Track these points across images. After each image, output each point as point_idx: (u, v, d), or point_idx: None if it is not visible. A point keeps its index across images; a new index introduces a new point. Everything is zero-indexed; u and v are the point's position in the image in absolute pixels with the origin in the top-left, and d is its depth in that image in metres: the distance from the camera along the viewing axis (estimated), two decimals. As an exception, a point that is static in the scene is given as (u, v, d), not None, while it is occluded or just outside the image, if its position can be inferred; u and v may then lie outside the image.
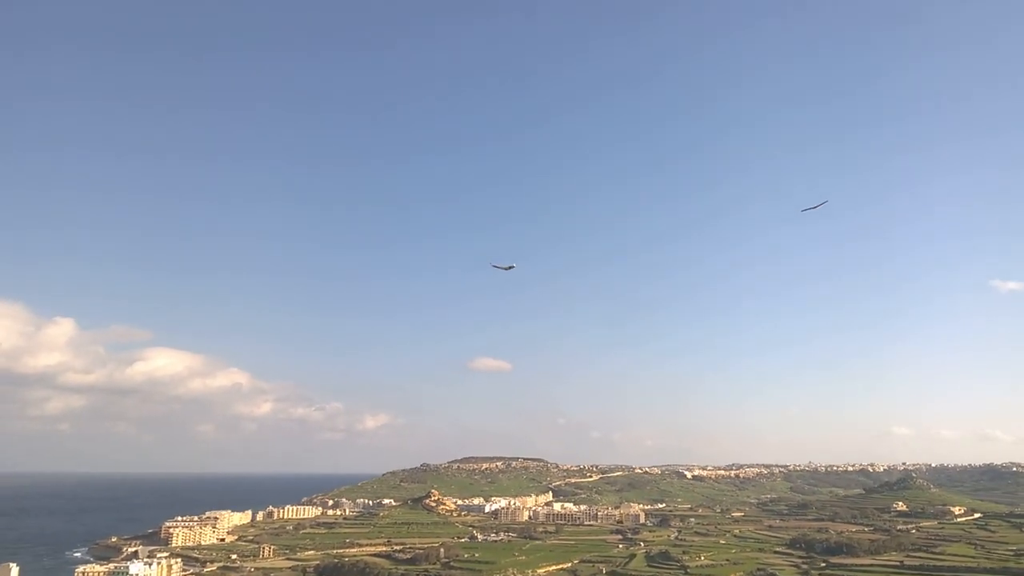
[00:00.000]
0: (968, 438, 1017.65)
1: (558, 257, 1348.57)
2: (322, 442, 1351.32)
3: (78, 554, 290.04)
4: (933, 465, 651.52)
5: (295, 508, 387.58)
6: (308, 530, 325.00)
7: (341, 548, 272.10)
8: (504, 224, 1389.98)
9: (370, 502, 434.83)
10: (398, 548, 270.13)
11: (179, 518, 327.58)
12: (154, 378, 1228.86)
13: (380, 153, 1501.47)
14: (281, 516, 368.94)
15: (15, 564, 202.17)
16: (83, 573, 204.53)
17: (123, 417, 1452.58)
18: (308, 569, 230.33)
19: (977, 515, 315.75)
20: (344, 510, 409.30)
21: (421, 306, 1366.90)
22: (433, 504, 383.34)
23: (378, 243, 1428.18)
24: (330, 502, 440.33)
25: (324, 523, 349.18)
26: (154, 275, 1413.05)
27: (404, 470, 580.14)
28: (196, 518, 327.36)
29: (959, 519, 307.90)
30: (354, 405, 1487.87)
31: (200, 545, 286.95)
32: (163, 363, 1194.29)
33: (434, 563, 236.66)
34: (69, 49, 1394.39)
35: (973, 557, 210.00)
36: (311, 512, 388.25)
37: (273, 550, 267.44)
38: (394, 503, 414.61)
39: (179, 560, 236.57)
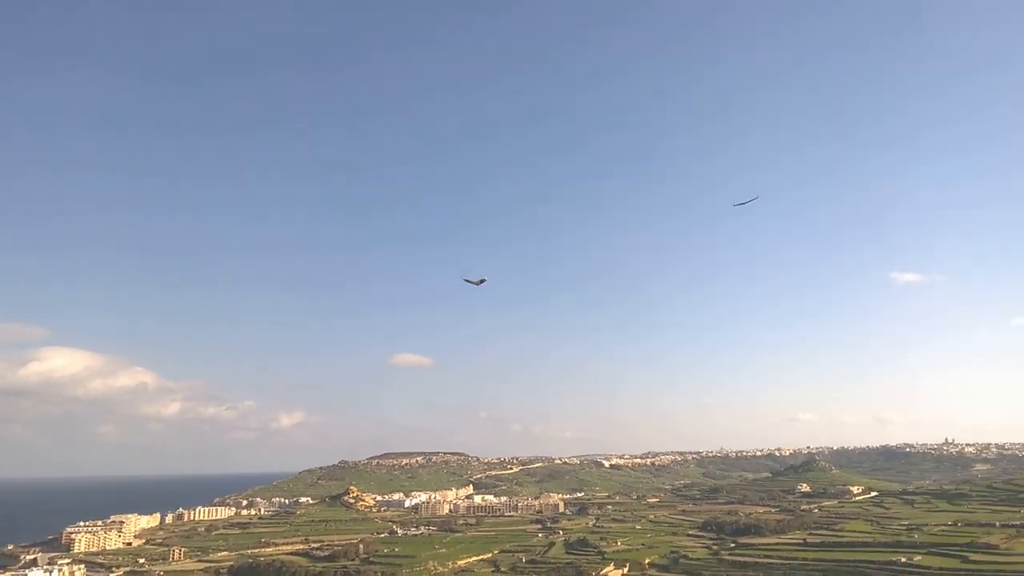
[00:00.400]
0: (867, 422, 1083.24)
1: (481, 251, 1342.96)
2: (234, 442, 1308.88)
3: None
4: (835, 448, 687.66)
5: (207, 509, 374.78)
6: (221, 531, 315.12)
7: (256, 548, 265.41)
8: (423, 216, 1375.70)
9: (286, 501, 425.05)
10: (316, 546, 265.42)
11: (81, 523, 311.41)
12: (51, 379, 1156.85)
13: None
14: (192, 518, 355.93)
15: None
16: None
17: (16, 420, 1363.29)
18: (221, 571, 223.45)
19: (873, 493, 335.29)
20: (259, 510, 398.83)
21: (339, 301, 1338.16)
22: (352, 501, 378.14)
23: (290, 237, 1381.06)
24: (244, 502, 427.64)
25: (238, 523, 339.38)
26: (50, 270, 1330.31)
27: (322, 468, 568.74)
28: (100, 523, 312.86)
29: (857, 498, 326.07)
30: (268, 403, 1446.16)
31: (105, 550, 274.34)
32: (60, 363, 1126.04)
33: (353, 559, 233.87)
34: None
35: (869, 533, 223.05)
36: (224, 513, 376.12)
37: (183, 552, 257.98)
38: (311, 501, 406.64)
39: (82, 566, 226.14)
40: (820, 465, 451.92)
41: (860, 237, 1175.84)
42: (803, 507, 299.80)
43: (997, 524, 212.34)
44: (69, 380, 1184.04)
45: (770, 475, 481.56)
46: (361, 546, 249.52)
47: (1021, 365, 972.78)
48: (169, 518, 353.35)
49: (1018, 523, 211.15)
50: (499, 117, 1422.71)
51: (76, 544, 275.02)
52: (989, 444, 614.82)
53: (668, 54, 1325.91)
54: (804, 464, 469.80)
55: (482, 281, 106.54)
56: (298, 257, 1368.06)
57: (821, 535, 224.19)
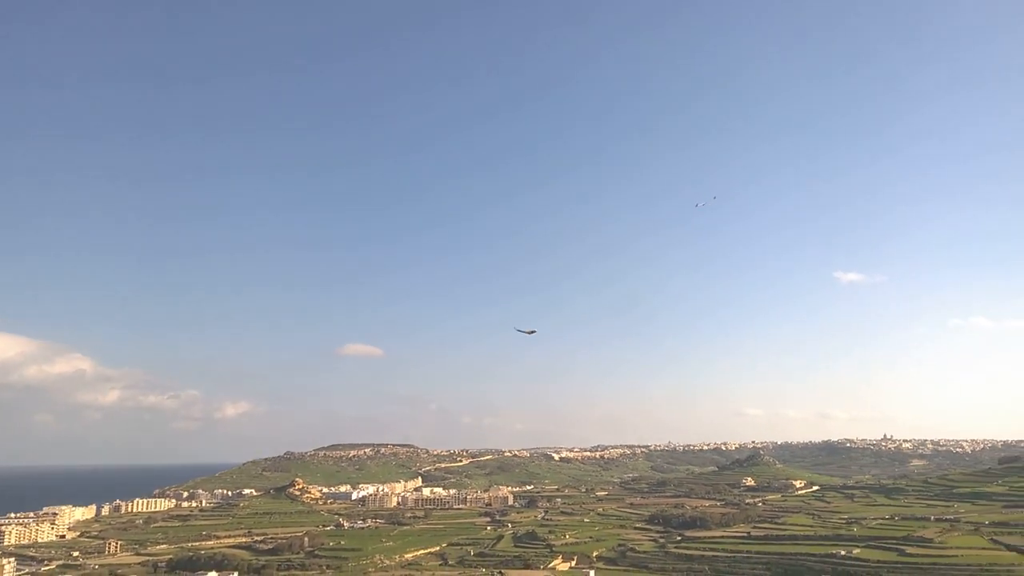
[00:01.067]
0: (810, 417, 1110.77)
1: (432, 241, 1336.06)
2: (176, 431, 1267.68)
3: None
4: (779, 443, 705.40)
5: (146, 501, 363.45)
6: (160, 524, 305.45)
7: (197, 541, 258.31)
8: (375, 203, 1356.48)
9: (229, 493, 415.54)
10: (259, 539, 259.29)
11: (12, 515, 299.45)
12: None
13: (237, 124, 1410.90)
14: (129, 510, 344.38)
15: None
16: None
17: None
18: (160, 564, 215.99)
19: (815, 488, 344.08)
20: (200, 502, 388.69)
21: (288, 289, 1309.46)
22: (297, 493, 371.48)
23: (239, 220, 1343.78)
24: (185, 494, 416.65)
25: (178, 516, 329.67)
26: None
27: (267, 459, 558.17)
28: (32, 514, 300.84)
29: (800, 492, 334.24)
30: (212, 392, 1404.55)
31: (37, 543, 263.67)
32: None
33: (297, 552, 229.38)
34: None
35: (810, 526, 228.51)
36: (164, 505, 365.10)
37: (120, 545, 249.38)
38: (255, 493, 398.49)
39: (12, 560, 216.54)
40: (765, 460, 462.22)
41: (807, 237, 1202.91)
42: (748, 501, 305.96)
43: (932, 518, 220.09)
44: (1, 367, 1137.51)
45: (716, 469, 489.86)
46: (306, 539, 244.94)
47: (955, 364, 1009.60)
48: (106, 510, 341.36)
49: (951, 517, 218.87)
50: (460, 114, 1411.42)
51: (6, 537, 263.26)
52: (925, 440, 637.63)
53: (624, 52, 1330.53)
54: (749, 458, 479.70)
55: (532, 332, 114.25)
56: (245, 247, 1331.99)
57: (764, 528, 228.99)
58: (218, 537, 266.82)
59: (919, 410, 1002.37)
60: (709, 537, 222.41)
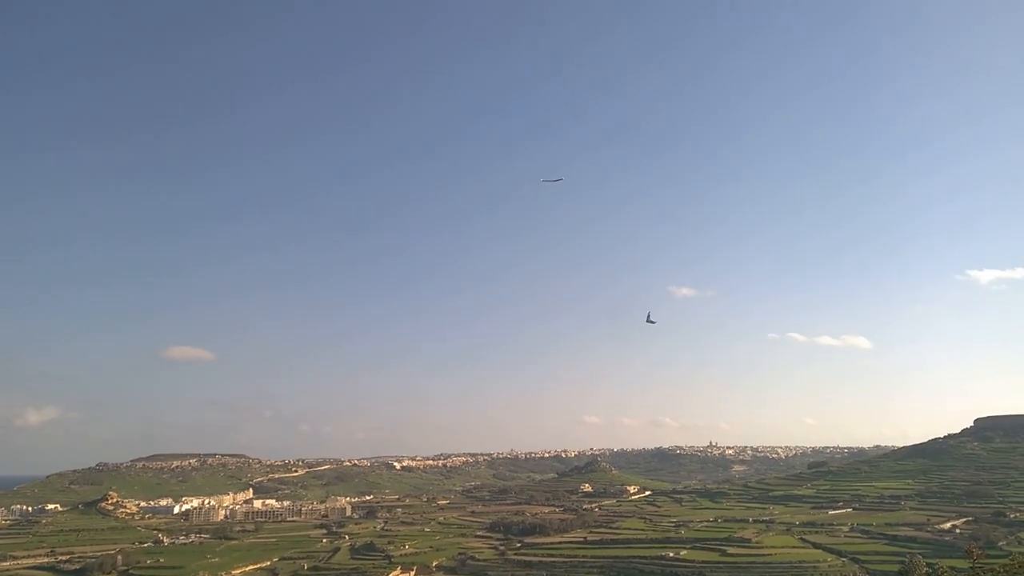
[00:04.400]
0: (644, 425, 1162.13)
1: (273, 228, 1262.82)
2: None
3: None
4: (615, 450, 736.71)
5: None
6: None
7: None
8: (197, 180, 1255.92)
9: (29, 508, 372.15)
10: (64, 558, 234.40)
11: None
12: None
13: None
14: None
15: None
16: None
17: None
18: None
19: (648, 492, 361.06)
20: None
21: (104, 289, 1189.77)
22: (111, 508, 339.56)
23: (47, 205, 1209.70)
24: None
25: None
26: None
27: (75, 471, 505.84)
28: None
29: (633, 497, 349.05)
30: (12, 397, 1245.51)
31: None
32: None
33: (109, 572, 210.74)
34: None
35: (643, 529, 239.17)
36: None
37: None
38: (61, 508, 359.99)
39: None
40: (602, 466, 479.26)
41: (642, 252, 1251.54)
42: (585, 506, 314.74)
43: (750, 520, 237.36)
44: None
45: (556, 476, 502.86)
46: (119, 557, 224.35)
47: (772, 375, 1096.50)
48: None
49: (767, 519, 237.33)
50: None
51: None
52: (746, 447, 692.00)
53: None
54: (587, 465, 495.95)
55: (559, 180, 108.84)
56: (64, 240, 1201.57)
57: (600, 533, 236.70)
58: (15, 557, 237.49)
59: (741, 419, 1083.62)
60: (548, 543, 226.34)
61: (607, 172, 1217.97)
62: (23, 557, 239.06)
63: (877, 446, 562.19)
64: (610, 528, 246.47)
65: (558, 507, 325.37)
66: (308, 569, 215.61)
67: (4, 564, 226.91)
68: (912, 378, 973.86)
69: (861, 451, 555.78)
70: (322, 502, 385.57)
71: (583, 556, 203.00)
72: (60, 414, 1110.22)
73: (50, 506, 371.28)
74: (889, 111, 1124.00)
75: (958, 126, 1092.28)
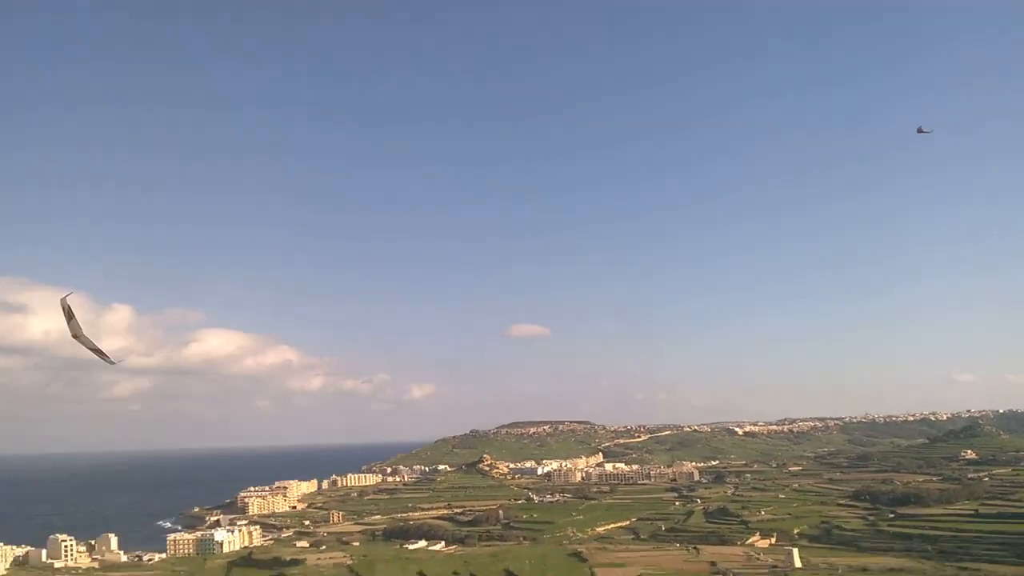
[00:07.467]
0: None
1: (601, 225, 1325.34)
2: (374, 412, 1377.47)
3: (167, 524, 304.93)
4: (1001, 411, 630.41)
5: (356, 476, 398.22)
6: (372, 496, 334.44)
7: (404, 513, 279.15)
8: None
9: (426, 468, 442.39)
10: (458, 511, 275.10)
11: (252, 488, 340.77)
12: (210, 358, 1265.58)
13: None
14: (344, 484, 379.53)
15: (113, 535, 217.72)
16: (174, 541, 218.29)
17: (186, 396, 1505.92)
18: (377, 532, 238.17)
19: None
20: (403, 476, 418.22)
21: (457, 275, 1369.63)
22: (487, 468, 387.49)
23: (430, 225, 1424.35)
24: (388, 469, 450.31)
25: (385, 489, 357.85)
26: (197, 264, 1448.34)
27: (455, 437, 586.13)
28: (267, 488, 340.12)
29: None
30: (400, 376, 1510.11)
31: (275, 513, 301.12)
32: (216, 343, 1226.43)
33: (494, 524, 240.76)
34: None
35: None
36: (371, 479, 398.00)
37: (342, 516, 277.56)
38: (449, 468, 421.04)
39: (258, 527, 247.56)
40: (985, 430, 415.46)
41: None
42: (970, 475, 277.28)
43: None
44: (225, 358, 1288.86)
45: (926, 441, 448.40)
46: (501, 512, 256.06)
47: None
48: (325, 484, 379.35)
49: None
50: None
51: (250, 507, 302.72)
52: None
53: None
54: (965, 429, 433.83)
55: (930, 131, 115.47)
56: (419, 243, 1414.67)
57: (995, 505, 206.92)
58: (423, 509, 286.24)
59: None
60: (928, 515, 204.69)
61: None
62: (428, 509, 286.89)
63: None
64: (1009, 500, 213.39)
65: (934, 475, 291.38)
66: (665, 530, 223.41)
67: (415, 514, 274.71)
68: None
69: None
70: (669, 466, 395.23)
71: (976, 531, 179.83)
72: (435, 389, 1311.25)
73: (441, 466, 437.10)
74: None
75: None
